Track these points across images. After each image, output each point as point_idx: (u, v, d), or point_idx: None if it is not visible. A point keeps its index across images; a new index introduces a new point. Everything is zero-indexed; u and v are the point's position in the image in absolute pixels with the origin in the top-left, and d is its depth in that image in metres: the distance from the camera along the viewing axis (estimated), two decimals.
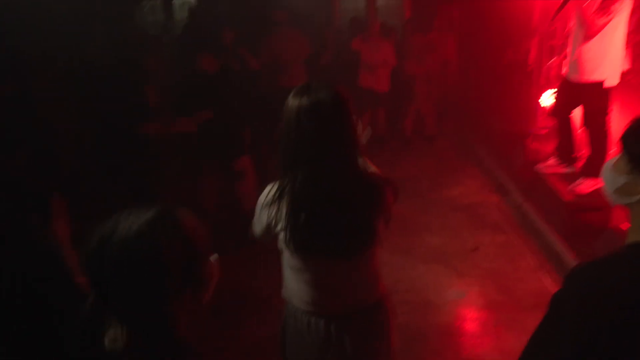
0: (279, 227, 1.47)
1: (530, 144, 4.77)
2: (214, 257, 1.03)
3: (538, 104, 5.46)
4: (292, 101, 1.42)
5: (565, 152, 3.99)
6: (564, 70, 3.77)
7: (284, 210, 1.44)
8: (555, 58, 4.90)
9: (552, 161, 4.11)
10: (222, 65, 4.10)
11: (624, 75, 3.46)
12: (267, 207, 1.48)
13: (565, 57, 3.88)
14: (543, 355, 0.98)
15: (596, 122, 3.49)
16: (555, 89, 4.13)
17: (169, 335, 0.94)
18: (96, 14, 5.72)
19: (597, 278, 0.97)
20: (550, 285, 3.30)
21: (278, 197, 1.46)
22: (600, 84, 3.38)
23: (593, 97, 3.44)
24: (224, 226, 3.68)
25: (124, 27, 6.90)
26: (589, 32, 3.31)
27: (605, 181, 1.14)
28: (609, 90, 3.42)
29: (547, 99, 5.00)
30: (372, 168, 1.60)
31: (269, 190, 1.50)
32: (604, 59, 3.34)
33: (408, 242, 3.91)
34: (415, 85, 6.32)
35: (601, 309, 0.92)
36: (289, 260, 1.57)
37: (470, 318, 3.10)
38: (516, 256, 3.73)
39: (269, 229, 1.51)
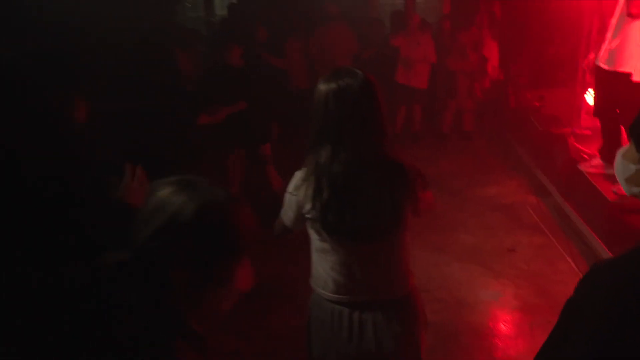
0: (306, 207, 1.51)
1: (573, 143, 4.61)
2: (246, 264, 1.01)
3: (582, 101, 5.29)
4: (322, 85, 1.46)
5: (610, 152, 3.85)
6: (600, 60, 3.63)
7: (310, 191, 1.48)
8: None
9: (595, 161, 3.97)
10: (252, 59, 4.24)
11: None
12: (296, 190, 1.53)
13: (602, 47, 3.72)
14: (561, 353, 0.93)
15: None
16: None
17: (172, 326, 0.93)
18: (141, 10, 5.93)
19: (616, 274, 0.92)
20: None
21: (305, 178, 1.50)
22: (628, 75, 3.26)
23: (627, 90, 3.31)
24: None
25: (165, 22, 7.12)
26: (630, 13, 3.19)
27: (617, 170, 1.12)
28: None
29: (590, 98, 4.84)
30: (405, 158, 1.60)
31: (298, 176, 1.55)
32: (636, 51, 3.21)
33: (442, 240, 3.88)
34: (457, 81, 6.21)
35: (621, 305, 0.87)
36: (315, 244, 1.60)
37: (505, 319, 3.05)
38: (555, 258, 3.64)
39: (299, 212, 1.55)
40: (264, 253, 3.71)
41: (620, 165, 1.09)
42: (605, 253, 3.31)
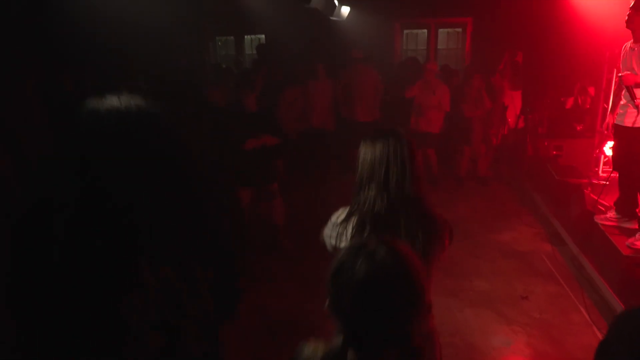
0: (342, 244, 1.69)
1: (590, 194, 4.67)
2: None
3: (600, 152, 5.37)
4: (368, 141, 1.70)
5: (627, 206, 3.90)
6: (618, 116, 3.75)
7: (349, 229, 1.68)
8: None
9: (611, 214, 4.02)
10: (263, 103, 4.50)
11: None
12: (337, 226, 1.73)
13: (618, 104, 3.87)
14: None
15: None
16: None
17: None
18: (179, 47, 6.31)
19: None
20: None
21: (345, 219, 1.71)
22: None
23: None
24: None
25: (199, 59, 7.53)
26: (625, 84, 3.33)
27: None
28: None
29: (609, 149, 4.92)
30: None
31: (341, 212, 1.76)
32: None
33: (456, 285, 3.93)
34: (472, 127, 6.36)
35: None
36: None
37: None
38: (568, 309, 3.64)
39: (337, 244, 1.73)
40: (279, 289, 3.83)
41: None
42: (619, 306, 3.32)
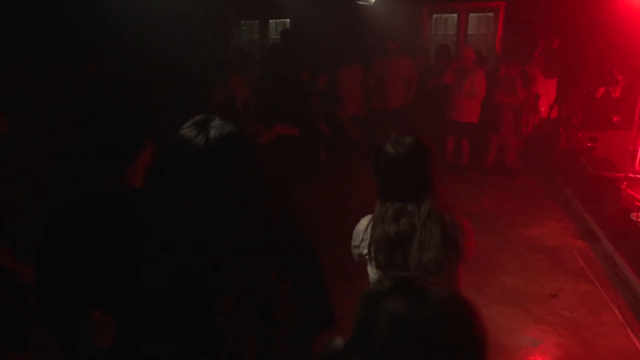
0: (364, 250, 1.75)
1: (626, 189, 4.45)
2: None
3: (638, 146, 5.12)
4: (387, 148, 1.70)
5: None
6: None
7: (370, 235, 1.73)
8: None
9: None
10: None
11: None
12: (361, 232, 1.78)
13: None
14: None
15: None
16: None
17: None
18: (202, 33, 6.27)
19: None
20: (638, 344, 3.06)
21: (369, 225, 1.76)
22: None
23: None
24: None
25: (222, 46, 7.48)
26: None
27: None
28: None
29: None
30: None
31: (362, 224, 1.80)
32: None
33: (481, 280, 3.81)
34: (503, 115, 6.12)
35: None
36: (372, 277, 1.77)
37: None
38: (600, 308, 3.49)
39: (361, 251, 1.78)
40: None
41: None
42: None
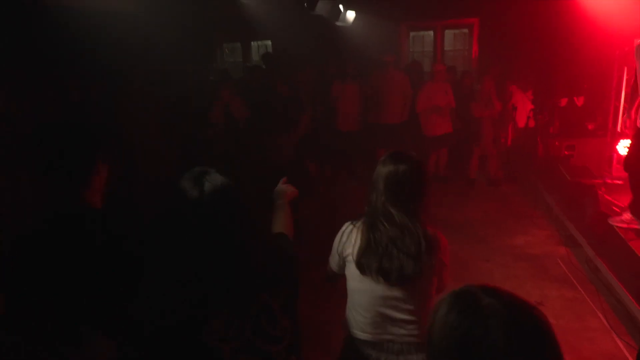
0: (347, 251, 1.81)
1: (604, 195, 4.58)
2: None
3: (613, 152, 5.28)
4: (382, 168, 1.77)
5: None
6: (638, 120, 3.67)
7: (354, 239, 1.80)
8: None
9: (626, 216, 3.93)
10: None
11: None
12: (344, 238, 1.84)
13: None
14: None
15: None
16: (630, 140, 4.00)
17: None
18: (188, 56, 6.34)
19: None
20: (623, 348, 3.12)
21: (352, 230, 1.83)
22: None
23: None
24: None
25: (207, 67, 7.57)
26: None
27: None
28: None
29: (623, 148, 4.82)
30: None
31: (347, 227, 1.86)
32: None
33: None
34: (482, 127, 6.29)
35: None
36: (350, 285, 1.84)
37: None
38: (585, 314, 3.56)
39: (341, 256, 1.84)
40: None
41: None
42: (638, 310, 3.23)
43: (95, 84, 5.06)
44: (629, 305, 3.37)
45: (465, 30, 8.26)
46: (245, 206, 1.40)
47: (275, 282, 1.44)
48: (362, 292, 1.78)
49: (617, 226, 3.91)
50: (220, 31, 8.58)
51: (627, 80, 5.25)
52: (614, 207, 4.25)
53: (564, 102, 6.29)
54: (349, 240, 1.81)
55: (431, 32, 8.41)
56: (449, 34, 8.40)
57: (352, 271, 1.80)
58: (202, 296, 1.29)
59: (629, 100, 4.90)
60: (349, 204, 5.62)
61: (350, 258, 1.79)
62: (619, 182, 4.81)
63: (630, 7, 4.69)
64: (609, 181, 5.02)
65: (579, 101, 6.21)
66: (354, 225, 1.83)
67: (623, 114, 5.15)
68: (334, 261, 1.91)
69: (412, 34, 8.53)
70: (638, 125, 3.72)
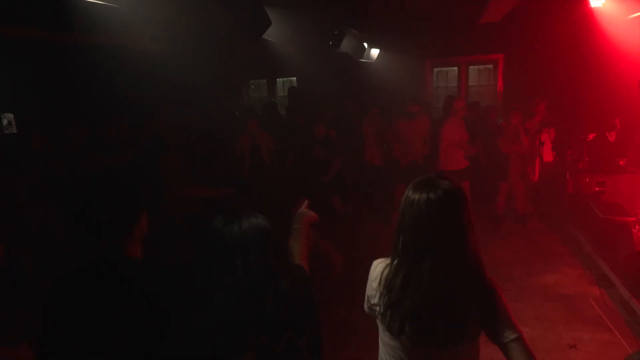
0: (373, 300, 1.56)
1: (638, 232, 4.40)
2: None
3: None
4: (411, 194, 1.47)
5: None
6: None
7: (382, 288, 1.52)
8: None
9: None
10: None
11: None
12: (374, 280, 1.58)
13: None
14: None
15: None
16: None
17: None
18: (216, 94, 6.57)
19: None
20: None
21: (382, 273, 1.55)
22: None
23: None
24: None
25: (234, 102, 7.80)
26: None
27: None
28: None
29: None
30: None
31: (378, 267, 1.59)
32: None
33: None
34: (509, 163, 6.21)
35: None
36: (381, 335, 1.61)
37: None
38: (622, 358, 3.37)
39: (369, 302, 1.60)
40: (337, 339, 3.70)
41: None
42: None
43: (127, 122, 5.25)
44: None
45: (490, 66, 8.29)
46: (280, 244, 1.49)
47: (297, 320, 1.48)
48: (391, 345, 1.54)
49: None
50: (246, 68, 8.86)
51: None
52: None
53: (591, 136, 6.17)
54: (378, 289, 1.53)
55: (455, 68, 8.48)
56: (473, 69, 8.45)
57: (381, 326, 1.56)
58: (234, 339, 1.35)
59: None
60: (371, 242, 5.58)
61: (377, 312, 1.54)
62: None
63: None
64: None
65: (611, 136, 6.08)
66: (385, 265, 1.55)
67: None
68: (366, 302, 1.64)
69: (436, 69, 8.61)
70: None
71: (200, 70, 6.23)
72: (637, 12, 5.22)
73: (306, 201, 1.98)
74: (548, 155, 6.46)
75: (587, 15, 5.57)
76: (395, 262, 1.50)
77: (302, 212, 1.94)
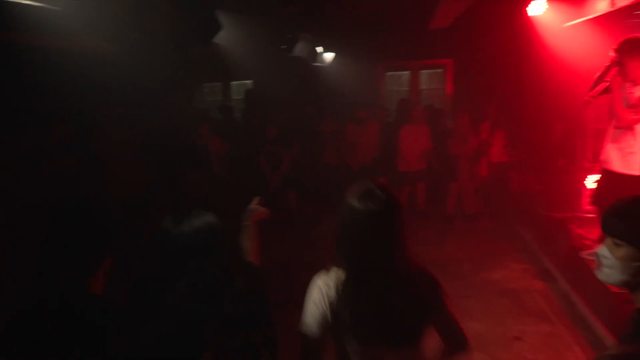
0: (331, 315, 1.53)
1: (575, 229, 4.69)
2: None
3: (583, 186, 5.44)
4: (352, 202, 1.51)
5: None
6: (604, 159, 3.82)
7: (337, 299, 1.52)
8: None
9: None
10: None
11: None
12: (321, 299, 1.55)
13: (604, 146, 3.94)
14: None
15: None
16: (598, 176, 4.15)
17: None
18: (168, 97, 6.42)
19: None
20: None
21: (329, 286, 1.56)
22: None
23: (633, 188, 3.45)
24: None
25: (186, 106, 7.65)
26: (620, 125, 3.41)
27: (613, 270, 1.33)
28: None
29: (591, 183, 4.98)
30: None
31: (320, 284, 1.58)
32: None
33: None
34: (458, 164, 6.46)
35: None
36: (339, 353, 1.60)
37: None
38: (563, 348, 3.58)
39: (324, 320, 1.55)
40: None
41: (612, 262, 1.34)
42: (612, 344, 3.27)
43: (71, 126, 5.05)
44: (604, 339, 3.41)
45: (440, 70, 8.58)
46: (232, 241, 1.48)
47: (253, 317, 1.50)
48: (357, 355, 1.55)
49: (588, 259, 3.99)
50: (200, 71, 8.72)
51: (593, 120, 5.50)
52: (585, 241, 4.35)
53: (534, 138, 6.52)
54: (333, 302, 1.53)
55: (407, 72, 8.71)
56: (424, 73, 8.71)
57: (340, 336, 1.56)
58: (190, 341, 1.35)
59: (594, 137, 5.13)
60: (327, 242, 5.63)
61: (337, 320, 1.53)
62: (590, 215, 4.93)
63: (598, 49, 4.95)
64: (581, 215, 5.15)
65: (553, 138, 6.43)
66: (327, 280, 1.56)
67: (588, 150, 5.36)
68: (312, 329, 1.54)
69: (388, 73, 8.81)
70: (602, 162, 3.87)
71: (151, 72, 6.08)
72: (572, 21, 5.56)
73: (257, 198, 2.00)
74: (496, 156, 6.76)
75: (527, 24, 5.87)
76: (344, 275, 1.54)
77: (251, 208, 1.96)
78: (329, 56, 7.85)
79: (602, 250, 1.39)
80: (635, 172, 3.46)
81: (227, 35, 5.12)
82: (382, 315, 1.50)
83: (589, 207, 4.97)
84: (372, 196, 1.50)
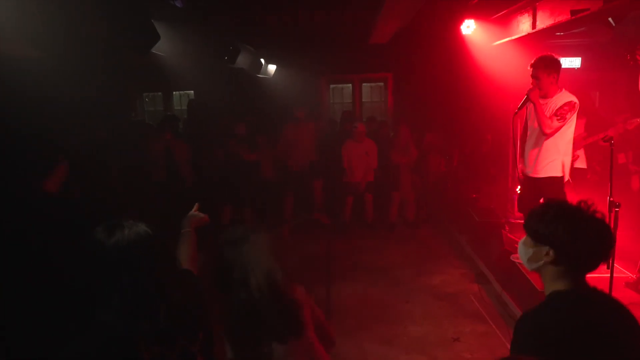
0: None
1: (507, 234, 4.99)
2: None
3: (513, 194, 5.81)
4: (227, 248, 1.72)
5: None
6: (523, 166, 4.12)
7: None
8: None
9: None
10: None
11: (582, 173, 3.80)
12: None
13: (522, 154, 4.25)
14: None
15: None
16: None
17: None
18: (102, 107, 6.18)
19: (533, 322, 1.45)
20: None
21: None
22: (555, 178, 3.72)
23: (551, 191, 3.75)
24: None
25: (125, 117, 7.40)
26: (547, 133, 3.72)
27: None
28: (563, 185, 3.75)
29: (518, 191, 5.33)
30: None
31: None
32: (558, 157, 3.72)
33: (390, 331, 3.96)
34: (400, 174, 6.69)
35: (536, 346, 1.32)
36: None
37: None
38: (498, 346, 3.78)
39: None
40: None
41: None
42: None
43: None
44: None
45: (381, 84, 8.87)
46: (165, 252, 1.45)
47: (190, 326, 1.49)
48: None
49: (517, 262, 4.26)
50: (139, 81, 8.47)
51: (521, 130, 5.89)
52: (516, 245, 4.63)
53: (469, 149, 6.88)
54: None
55: (350, 85, 8.93)
56: (366, 86, 8.96)
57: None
58: (125, 356, 1.31)
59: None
60: None
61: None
62: (519, 220, 5.26)
63: (522, 66, 5.34)
64: (512, 220, 5.48)
65: (484, 147, 6.82)
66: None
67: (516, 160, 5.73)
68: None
69: (331, 86, 8.99)
70: (524, 172, 4.15)
71: (83, 80, 5.84)
72: (499, 40, 5.96)
73: (196, 205, 2.04)
74: (435, 165, 7.07)
75: (461, 42, 6.23)
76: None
77: (190, 215, 1.98)
78: (272, 68, 7.90)
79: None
80: (555, 174, 3.76)
81: (167, 46, 5.03)
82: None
83: (518, 213, 5.31)
84: (240, 235, 1.74)
